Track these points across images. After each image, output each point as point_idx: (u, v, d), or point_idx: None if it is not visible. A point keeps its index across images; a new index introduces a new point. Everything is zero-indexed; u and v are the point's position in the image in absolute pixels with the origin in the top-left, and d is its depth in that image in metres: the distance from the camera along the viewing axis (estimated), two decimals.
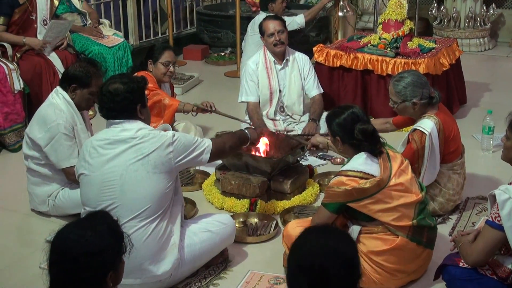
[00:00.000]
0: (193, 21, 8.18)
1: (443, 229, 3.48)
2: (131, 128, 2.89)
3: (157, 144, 2.86)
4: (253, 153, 3.88)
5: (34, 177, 3.67)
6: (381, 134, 3.03)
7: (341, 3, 6.54)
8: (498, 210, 2.50)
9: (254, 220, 3.62)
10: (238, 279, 3.09)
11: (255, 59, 4.83)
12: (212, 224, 3.13)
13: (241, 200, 3.76)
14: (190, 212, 3.68)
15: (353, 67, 5.25)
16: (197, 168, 4.24)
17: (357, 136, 2.88)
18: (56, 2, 5.33)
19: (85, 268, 1.87)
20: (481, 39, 7.86)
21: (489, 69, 7.13)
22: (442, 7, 7.89)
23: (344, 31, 6.54)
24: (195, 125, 4.61)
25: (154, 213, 2.84)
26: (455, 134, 3.58)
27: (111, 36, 5.95)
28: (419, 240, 2.91)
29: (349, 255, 1.82)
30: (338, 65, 5.32)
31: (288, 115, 4.86)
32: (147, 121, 3.00)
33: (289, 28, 5.08)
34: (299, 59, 4.85)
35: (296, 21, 6.10)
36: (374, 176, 2.83)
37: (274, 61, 4.79)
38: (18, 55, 5.08)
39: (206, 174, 4.23)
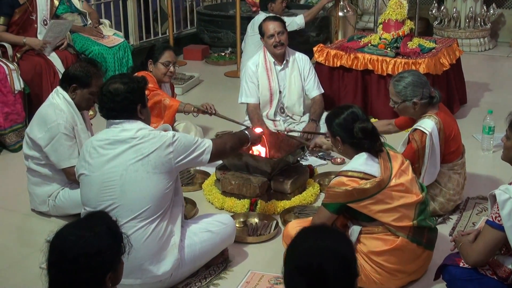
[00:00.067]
0: (193, 21, 8.17)
1: (444, 229, 3.48)
2: (131, 128, 2.89)
3: (157, 144, 2.85)
4: (253, 152, 3.89)
5: (34, 177, 3.67)
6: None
7: (341, 3, 6.54)
8: (498, 210, 2.50)
9: (254, 220, 3.62)
10: (238, 279, 3.09)
11: (255, 60, 4.82)
12: (213, 224, 3.13)
13: (241, 200, 3.76)
14: (190, 212, 3.68)
15: (353, 67, 5.26)
16: (197, 168, 4.24)
17: (357, 135, 2.88)
18: (56, 2, 5.33)
19: (84, 269, 1.87)
20: (482, 39, 7.85)
21: (489, 69, 7.13)
22: (442, 7, 7.89)
23: (344, 31, 6.55)
24: (196, 125, 4.61)
25: (154, 213, 2.83)
26: (456, 134, 3.58)
27: (111, 36, 5.95)
28: (420, 241, 2.91)
29: (346, 254, 1.82)
30: (338, 65, 5.32)
31: (288, 116, 4.86)
32: (147, 121, 3.00)
33: (289, 29, 5.08)
34: (299, 59, 4.84)
35: (296, 22, 6.10)
36: (374, 177, 2.83)
37: (274, 62, 4.78)
38: (19, 55, 5.08)
39: (206, 174, 4.23)
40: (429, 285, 3.00)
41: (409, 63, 5.00)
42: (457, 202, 3.71)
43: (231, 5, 7.85)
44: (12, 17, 5.08)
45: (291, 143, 4.06)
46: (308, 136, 4.48)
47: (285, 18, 5.31)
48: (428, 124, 3.44)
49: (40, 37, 5.19)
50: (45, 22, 5.22)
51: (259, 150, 3.94)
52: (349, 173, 2.86)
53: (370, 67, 5.18)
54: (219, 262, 3.19)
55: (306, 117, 4.83)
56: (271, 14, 5.68)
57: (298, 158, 4.10)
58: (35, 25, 5.19)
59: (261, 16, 5.82)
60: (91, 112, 4.97)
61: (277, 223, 3.57)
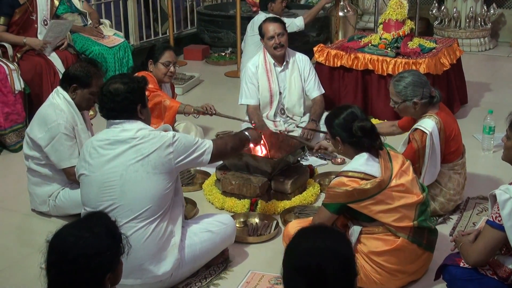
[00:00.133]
0: (194, 21, 8.17)
1: (444, 229, 3.48)
2: (131, 128, 2.89)
3: (157, 145, 2.85)
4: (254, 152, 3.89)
5: (34, 177, 3.67)
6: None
7: (341, 3, 6.54)
8: (498, 210, 2.50)
9: (254, 220, 3.61)
10: (238, 279, 3.09)
11: (255, 61, 4.80)
12: (213, 224, 3.12)
13: (241, 200, 3.76)
14: (190, 212, 3.68)
15: (354, 67, 5.25)
16: (198, 168, 4.23)
17: (356, 133, 2.87)
18: (56, 2, 5.33)
19: (83, 270, 1.87)
20: (482, 39, 7.85)
21: (489, 69, 7.12)
22: (442, 7, 7.89)
23: (344, 31, 6.55)
24: (196, 126, 4.60)
25: (154, 213, 2.83)
26: (456, 134, 3.58)
27: (111, 36, 5.95)
28: (420, 241, 2.91)
29: (345, 253, 1.82)
30: (338, 65, 5.32)
31: (288, 116, 4.85)
32: (147, 121, 3.00)
33: (288, 30, 5.07)
34: (299, 60, 4.82)
35: (296, 23, 6.09)
36: (375, 177, 2.83)
37: (274, 63, 4.76)
38: (19, 55, 5.08)
39: (207, 174, 4.22)
40: (429, 285, 3.00)
41: (410, 63, 5.00)
42: (457, 202, 3.71)
43: (231, 5, 7.85)
44: (12, 17, 5.08)
45: (292, 143, 4.06)
46: (308, 136, 4.48)
47: (285, 20, 5.30)
48: (428, 124, 3.44)
49: (40, 37, 5.19)
50: (45, 22, 5.22)
51: (260, 150, 3.93)
52: (350, 174, 2.86)
53: (370, 67, 5.18)
54: (219, 262, 3.19)
55: (306, 118, 4.82)
56: (271, 14, 5.68)
57: (299, 158, 4.10)
58: (35, 25, 5.19)
59: (261, 16, 5.82)
60: (91, 112, 4.97)
61: (277, 223, 3.56)
